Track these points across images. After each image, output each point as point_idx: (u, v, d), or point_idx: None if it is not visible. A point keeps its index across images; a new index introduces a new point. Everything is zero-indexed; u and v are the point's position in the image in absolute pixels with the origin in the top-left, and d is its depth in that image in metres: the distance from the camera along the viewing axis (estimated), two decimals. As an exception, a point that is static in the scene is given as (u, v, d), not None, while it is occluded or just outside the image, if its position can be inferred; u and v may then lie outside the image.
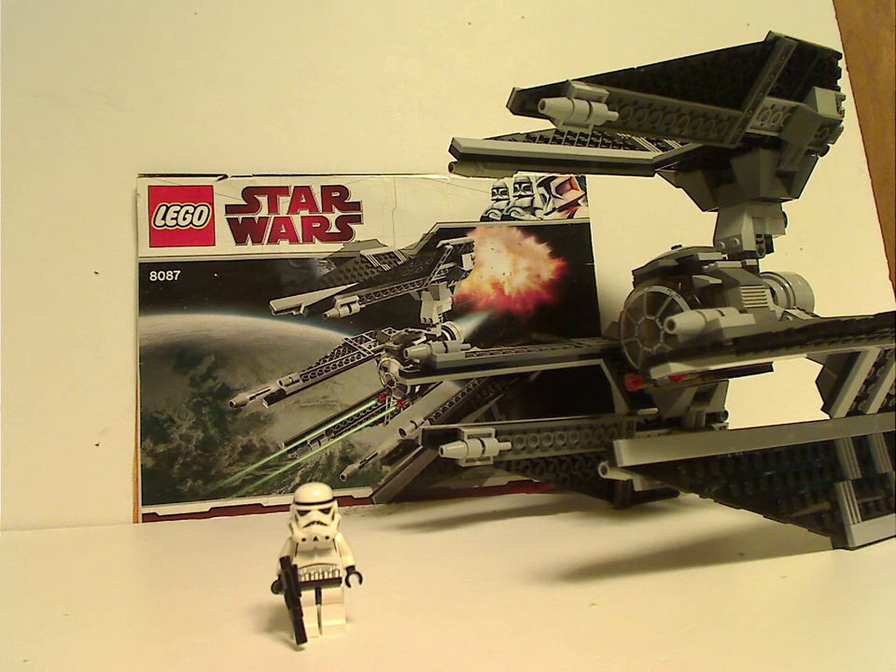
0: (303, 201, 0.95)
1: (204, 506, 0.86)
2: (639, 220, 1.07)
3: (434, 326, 0.94)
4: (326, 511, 0.46)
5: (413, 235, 0.96)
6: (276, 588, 0.46)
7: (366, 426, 0.91)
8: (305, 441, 0.90)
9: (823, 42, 0.70)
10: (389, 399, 0.92)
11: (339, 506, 0.47)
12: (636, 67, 0.57)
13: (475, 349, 0.78)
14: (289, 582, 0.45)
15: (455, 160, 0.69)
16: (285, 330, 0.91)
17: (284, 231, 0.93)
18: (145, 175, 0.92)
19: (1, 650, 0.48)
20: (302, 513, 0.45)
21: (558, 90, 0.53)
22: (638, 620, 0.48)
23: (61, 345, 0.89)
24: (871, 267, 1.16)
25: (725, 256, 0.71)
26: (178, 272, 0.90)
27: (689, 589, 0.54)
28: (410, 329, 0.94)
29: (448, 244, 0.96)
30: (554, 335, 0.89)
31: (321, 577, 0.46)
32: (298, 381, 0.90)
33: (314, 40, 1.03)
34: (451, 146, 0.68)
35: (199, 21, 1.00)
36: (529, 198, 1.00)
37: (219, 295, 0.90)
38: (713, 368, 0.62)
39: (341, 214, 0.95)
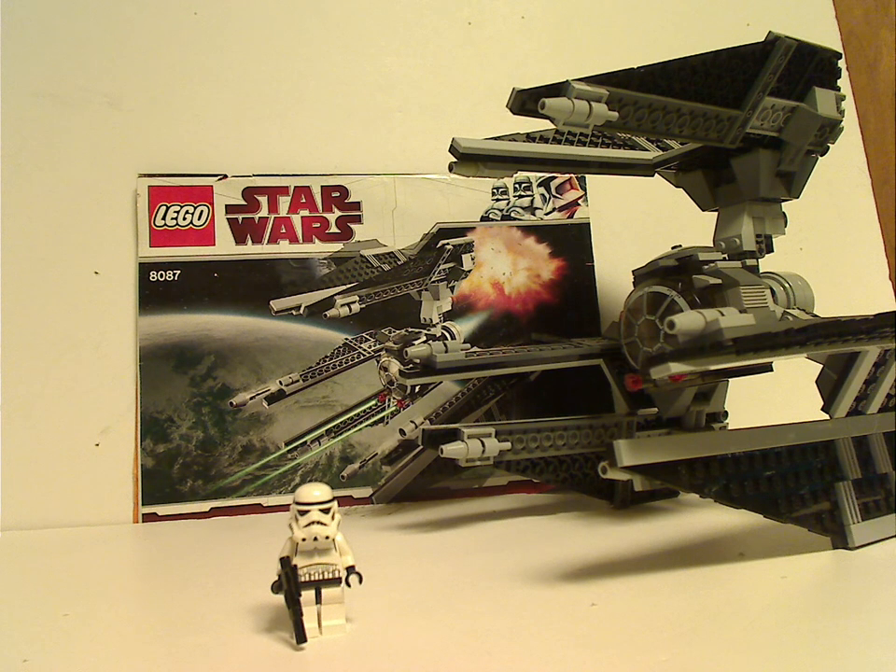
0: (303, 201, 0.95)
1: (204, 506, 0.86)
2: (639, 220, 1.07)
3: (434, 326, 0.94)
4: (326, 511, 0.46)
5: (413, 235, 0.96)
6: (276, 588, 0.46)
7: (366, 426, 0.91)
8: (305, 441, 0.90)
9: (823, 42, 0.70)
10: (389, 399, 0.92)
11: (339, 506, 0.47)
12: (636, 67, 0.57)
13: (475, 349, 0.78)
14: (289, 582, 0.45)
15: (455, 160, 0.69)
16: (285, 330, 0.91)
17: (284, 231, 0.93)
18: (145, 175, 0.92)
19: (1, 650, 0.48)
20: (302, 513, 0.45)
21: (558, 90, 0.53)
22: (638, 620, 0.48)
23: (61, 345, 0.89)
24: (871, 267, 1.16)
25: (725, 256, 0.70)
26: (178, 272, 0.90)
27: (689, 589, 0.54)
28: (410, 329, 0.94)
29: (448, 244, 0.96)
30: (554, 335, 0.89)
31: (321, 577, 0.46)
32: (298, 381, 0.90)
33: (314, 40, 1.03)
34: (451, 146, 0.68)
35: (199, 20, 1.00)
36: (529, 198, 1.00)
37: (219, 295, 0.90)
38: (713, 368, 0.62)
39: (341, 214, 0.95)
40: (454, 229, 0.97)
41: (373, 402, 0.92)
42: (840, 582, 0.56)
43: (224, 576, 0.63)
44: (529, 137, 0.77)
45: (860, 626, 0.46)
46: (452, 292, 0.96)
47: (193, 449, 0.87)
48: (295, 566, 0.46)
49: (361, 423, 0.91)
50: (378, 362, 0.91)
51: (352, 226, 0.95)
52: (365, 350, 0.92)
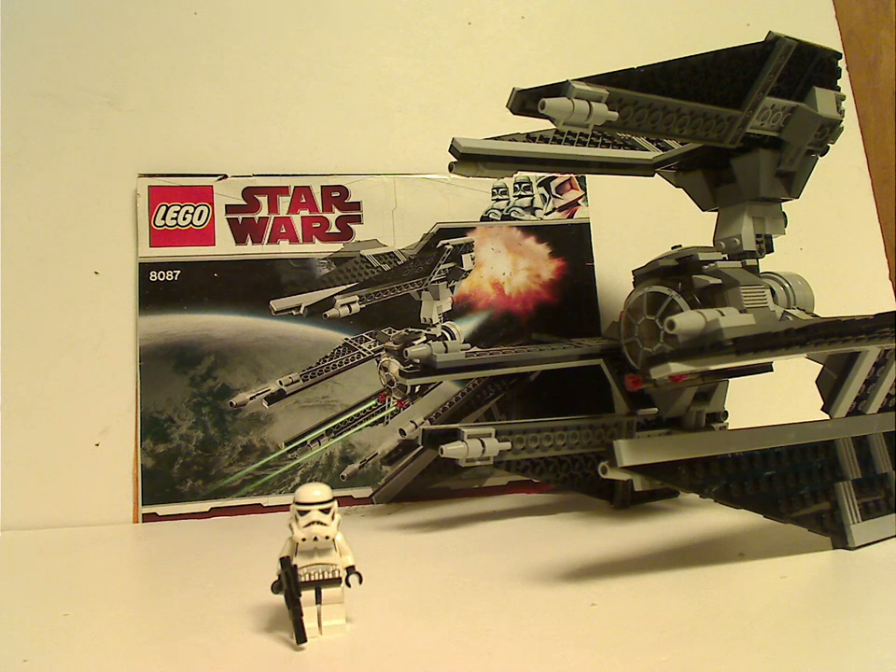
0: (303, 201, 0.95)
1: (204, 506, 0.86)
2: (639, 220, 1.07)
3: (434, 326, 0.94)
4: (326, 511, 0.46)
5: (413, 235, 0.96)
6: (276, 588, 0.46)
7: (366, 426, 0.91)
8: (305, 441, 0.90)
9: (823, 42, 0.70)
10: (389, 399, 0.92)
11: (339, 506, 0.47)
12: (636, 67, 0.57)
13: (475, 349, 0.78)
14: (289, 582, 0.45)
15: (455, 160, 0.69)
16: (285, 330, 0.91)
17: (284, 231, 0.93)
18: (145, 175, 0.92)
19: (1, 650, 0.48)
20: (302, 513, 0.45)
21: (558, 90, 0.53)
22: (638, 620, 0.48)
23: (61, 345, 0.89)
24: (871, 267, 1.16)
25: (725, 256, 0.71)
26: (178, 272, 0.90)
27: (689, 589, 0.54)
28: (410, 329, 0.94)
29: (448, 244, 0.96)
30: (554, 335, 0.89)
31: (321, 577, 0.46)
32: (298, 381, 0.90)
33: (314, 40, 1.03)
34: (451, 146, 0.68)
35: (199, 20, 1.00)
36: (529, 198, 1.00)
37: (219, 295, 0.90)
38: (713, 368, 0.62)
39: (341, 214, 0.95)
40: (454, 229, 0.97)
41: (373, 402, 0.92)
42: (840, 582, 0.56)
43: (224, 576, 0.63)
44: (529, 137, 0.77)
45: (860, 626, 0.46)
46: (452, 292, 0.96)
47: (193, 449, 0.87)
48: (295, 566, 0.46)
49: (361, 423, 0.91)
50: (378, 362, 0.91)
51: (352, 226, 0.95)
52: (365, 350, 0.92)
